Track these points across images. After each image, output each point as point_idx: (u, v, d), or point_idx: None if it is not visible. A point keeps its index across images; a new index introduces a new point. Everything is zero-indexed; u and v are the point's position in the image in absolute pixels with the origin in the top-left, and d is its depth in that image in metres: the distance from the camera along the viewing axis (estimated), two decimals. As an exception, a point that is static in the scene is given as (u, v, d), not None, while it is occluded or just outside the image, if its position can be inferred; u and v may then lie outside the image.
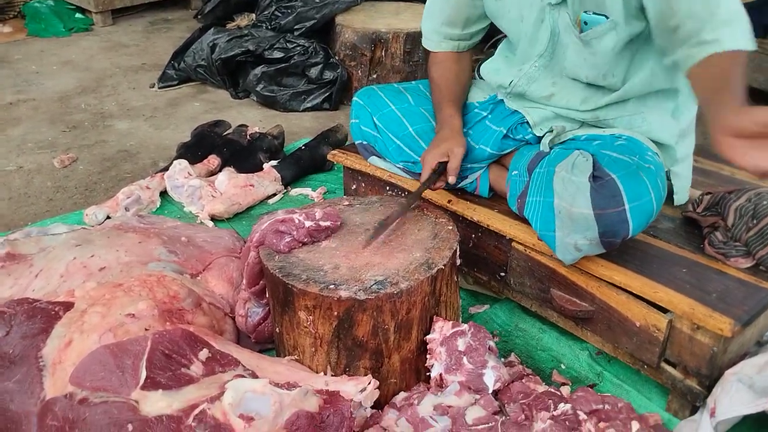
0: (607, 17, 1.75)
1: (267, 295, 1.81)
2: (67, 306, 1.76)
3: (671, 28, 1.59)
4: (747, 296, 1.66)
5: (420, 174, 1.98)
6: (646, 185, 1.67)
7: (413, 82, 2.37)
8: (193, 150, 2.98)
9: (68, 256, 2.01)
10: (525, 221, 1.92)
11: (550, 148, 1.95)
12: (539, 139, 2.02)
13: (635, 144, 1.83)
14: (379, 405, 1.66)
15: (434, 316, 1.71)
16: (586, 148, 1.83)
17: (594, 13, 1.77)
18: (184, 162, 2.78)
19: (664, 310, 1.67)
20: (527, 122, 2.04)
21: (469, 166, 2.06)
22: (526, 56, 1.99)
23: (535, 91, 2.02)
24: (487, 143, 2.06)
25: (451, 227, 1.82)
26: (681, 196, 2.01)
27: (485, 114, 2.14)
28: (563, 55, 1.91)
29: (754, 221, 1.75)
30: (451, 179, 1.92)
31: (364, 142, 2.25)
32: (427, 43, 2.21)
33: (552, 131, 1.96)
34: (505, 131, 2.05)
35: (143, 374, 1.53)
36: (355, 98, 2.27)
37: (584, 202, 1.65)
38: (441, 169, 1.92)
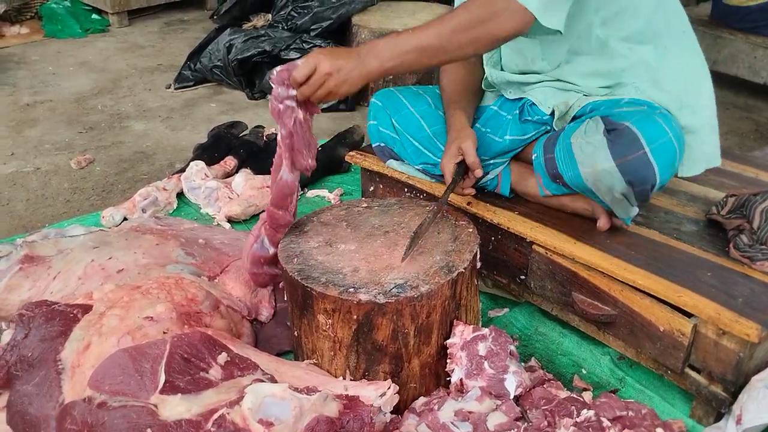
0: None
1: (286, 298, 1.80)
2: (86, 308, 1.76)
3: None
4: (774, 301, 1.63)
5: (439, 176, 2.00)
6: (662, 126, 1.66)
7: (430, 85, 2.35)
8: (210, 151, 2.97)
9: (86, 258, 2.01)
10: (546, 223, 1.91)
11: (563, 127, 1.94)
12: (552, 119, 2.01)
13: (641, 101, 1.83)
14: (398, 410, 1.65)
15: (454, 320, 1.70)
16: (596, 114, 1.83)
17: None
18: (200, 163, 2.77)
19: (688, 315, 1.65)
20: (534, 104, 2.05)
21: (491, 161, 2.04)
22: None
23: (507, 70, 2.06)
24: (506, 131, 2.06)
25: (471, 230, 1.80)
26: (687, 168, 1.92)
27: (497, 108, 2.14)
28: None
29: (781, 224, 1.73)
30: (478, 172, 1.91)
31: (382, 144, 2.23)
32: None
33: (558, 108, 1.96)
34: (518, 112, 2.06)
35: (162, 378, 1.52)
36: (373, 99, 2.25)
37: (604, 156, 1.65)
38: (462, 170, 1.91)
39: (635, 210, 1.81)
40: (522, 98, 2.07)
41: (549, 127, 2.03)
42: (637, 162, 1.64)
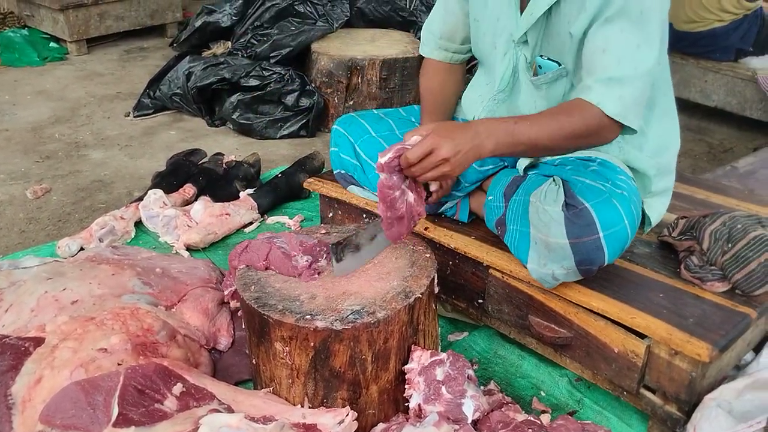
0: (559, 64, 1.79)
1: (244, 326, 1.78)
2: (38, 341, 1.72)
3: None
4: (724, 320, 1.66)
5: None
6: (620, 212, 1.67)
7: (393, 108, 2.36)
8: (169, 179, 2.95)
9: (39, 290, 1.97)
10: (502, 247, 1.92)
11: (525, 172, 1.95)
12: (516, 160, 2.02)
13: (608, 168, 1.83)
14: (357, 437, 1.64)
15: (412, 346, 1.70)
16: (559, 174, 1.83)
17: (548, 59, 1.81)
18: (159, 191, 2.75)
19: (641, 336, 1.67)
20: None
21: (451, 192, 2.06)
22: (494, 86, 2.00)
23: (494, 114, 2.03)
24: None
25: (429, 255, 1.81)
26: (647, 227, 2.00)
27: None
28: (518, 94, 1.94)
29: (729, 245, 1.76)
30: (433, 187, 1.84)
31: (342, 171, 2.23)
32: (422, 48, 2.19)
33: None
34: None
35: (115, 411, 1.50)
36: (335, 126, 2.25)
37: (559, 231, 1.66)
38: None
39: (557, 283, 1.78)
40: None
41: (507, 165, 2.06)
42: (590, 245, 1.66)
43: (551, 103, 1.86)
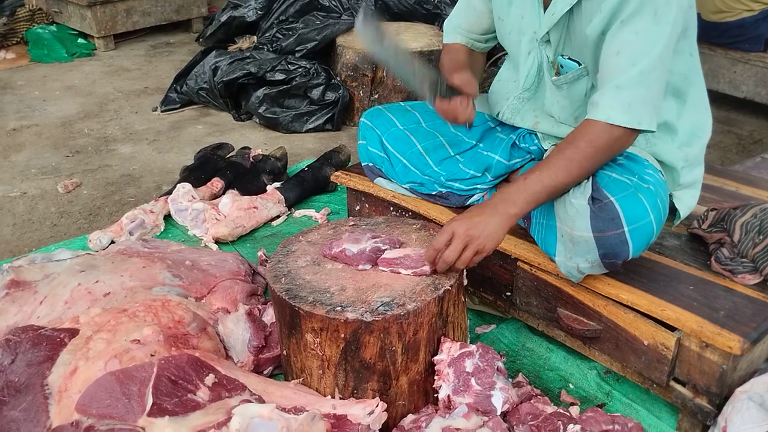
0: (580, 64, 1.79)
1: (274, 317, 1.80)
2: (72, 333, 1.76)
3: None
4: (755, 313, 1.65)
5: (425, 195, 2.12)
6: (645, 207, 1.66)
7: (419, 101, 2.36)
8: (197, 173, 2.98)
9: (72, 282, 2.01)
10: (530, 240, 1.92)
11: None
12: (543, 152, 2.03)
13: (636, 161, 1.82)
14: (387, 428, 1.65)
15: (442, 337, 1.71)
16: None
17: (569, 59, 1.81)
18: (187, 185, 2.78)
19: (672, 329, 1.66)
20: (535, 133, 2.06)
21: (478, 185, 2.07)
22: (519, 84, 2.01)
23: (520, 122, 2.06)
24: (496, 151, 2.08)
25: (456, 247, 1.81)
26: (677, 220, 1.99)
27: (494, 126, 2.16)
28: (543, 93, 1.95)
29: (761, 237, 1.75)
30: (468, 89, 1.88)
31: (371, 164, 2.25)
32: (445, 38, 2.20)
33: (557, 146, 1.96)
34: (514, 137, 2.08)
35: (149, 401, 1.53)
36: (362, 119, 2.27)
37: (584, 225, 1.66)
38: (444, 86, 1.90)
39: (582, 276, 1.79)
40: (520, 128, 2.09)
41: (534, 157, 2.06)
42: (614, 239, 1.65)
43: (573, 103, 1.87)
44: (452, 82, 1.87)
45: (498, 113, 2.11)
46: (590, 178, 1.73)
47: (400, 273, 1.71)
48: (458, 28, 2.15)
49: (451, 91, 1.88)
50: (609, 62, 1.66)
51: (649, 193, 1.69)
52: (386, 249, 1.76)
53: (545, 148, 2.03)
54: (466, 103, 1.89)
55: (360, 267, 1.73)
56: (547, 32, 1.82)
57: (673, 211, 1.93)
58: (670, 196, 1.91)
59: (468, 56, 2.13)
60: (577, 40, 1.78)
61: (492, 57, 3.31)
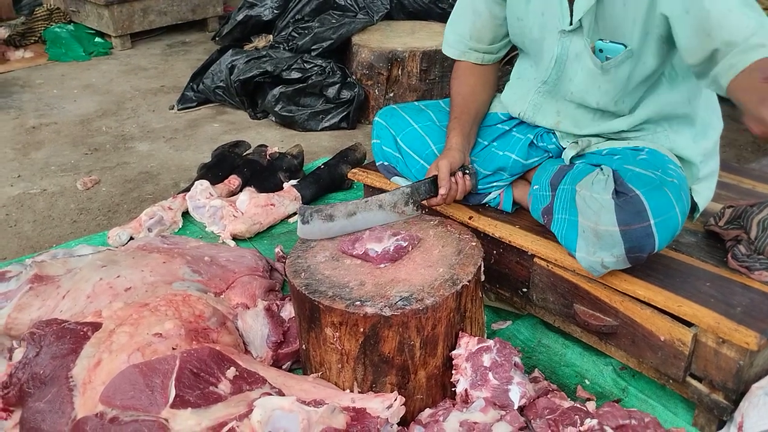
0: (625, 46, 1.78)
1: (294, 312, 1.83)
2: (95, 326, 1.78)
3: (708, 54, 1.60)
4: (772, 309, 1.66)
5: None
6: (671, 199, 1.67)
7: (434, 100, 2.37)
8: (214, 170, 3.01)
9: (94, 277, 2.04)
10: (547, 236, 1.94)
11: (571, 162, 1.96)
12: (561, 151, 2.03)
13: (657, 157, 1.83)
14: (405, 421, 1.67)
15: (460, 332, 1.72)
16: (608, 164, 1.84)
17: (611, 41, 1.80)
18: (205, 182, 2.81)
19: (688, 324, 1.67)
20: (553, 132, 2.06)
21: (494, 183, 2.08)
22: (540, 76, 2.02)
23: (542, 120, 2.06)
24: (513, 150, 2.08)
25: (474, 243, 1.83)
26: (698, 213, 2.01)
27: (509, 128, 2.16)
28: (569, 82, 1.93)
29: (778, 234, 1.75)
30: (441, 190, 1.92)
31: (386, 163, 2.26)
32: (449, 51, 2.18)
33: (577, 143, 1.97)
34: (531, 137, 2.08)
35: (172, 393, 1.55)
36: (376, 118, 2.28)
37: (609, 219, 1.66)
38: (430, 186, 1.96)
39: (605, 271, 1.78)
40: (538, 126, 2.10)
41: (552, 155, 2.07)
42: (640, 232, 1.66)
43: (617, 86, 1.85)
44: (431, 173, 1.95)
45: (519, 113, 2.11)
46: (610, 175, 1.74)
47: None
48: (464, 40, 2.12)
49: (434, 186, 1.94)
50: (728, 21, 1.55)
51: (674, 186, 1.71)
52: (406, 245, 1.78)
53: (564, 146, 2.03)
54: (455, 188, 1.96)
55: (382, 265, 1.75)
56: (579, 19, 1.81)
57: (691, 207, 1.94)
58: (690, 190, 1.91)
59: (473, 83, 2.14)
60: (612, 22, 1.76)
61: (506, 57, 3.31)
